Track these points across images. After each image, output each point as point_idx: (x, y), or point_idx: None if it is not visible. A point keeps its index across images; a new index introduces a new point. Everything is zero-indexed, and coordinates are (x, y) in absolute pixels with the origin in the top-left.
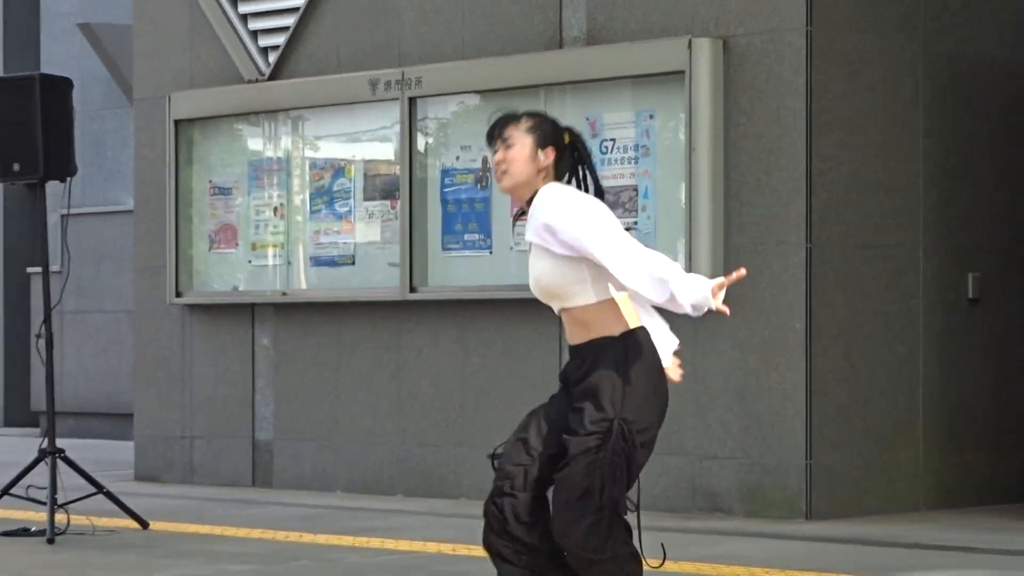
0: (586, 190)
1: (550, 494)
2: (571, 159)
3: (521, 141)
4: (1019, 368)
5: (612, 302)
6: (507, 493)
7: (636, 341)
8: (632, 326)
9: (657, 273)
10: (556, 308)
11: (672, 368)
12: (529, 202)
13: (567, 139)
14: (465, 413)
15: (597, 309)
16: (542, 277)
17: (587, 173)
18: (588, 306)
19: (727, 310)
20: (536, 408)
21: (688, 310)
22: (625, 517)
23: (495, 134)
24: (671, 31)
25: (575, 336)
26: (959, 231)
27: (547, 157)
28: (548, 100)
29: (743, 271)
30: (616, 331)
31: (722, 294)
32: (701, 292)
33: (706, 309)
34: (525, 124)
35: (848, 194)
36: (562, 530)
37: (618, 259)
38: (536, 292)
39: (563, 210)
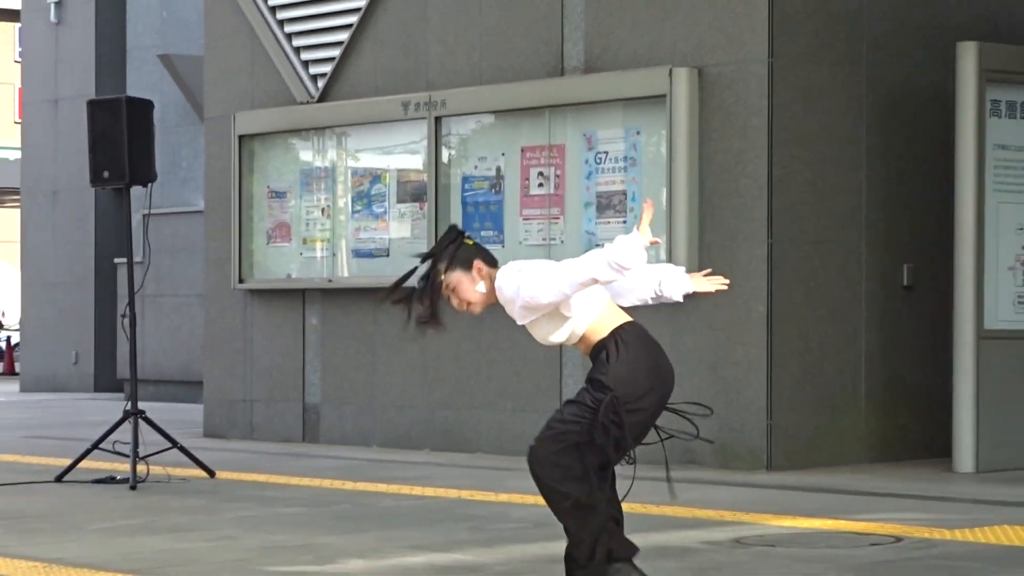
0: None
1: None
2: (479, 251)
3: (457, 280)
4: (945, 344)
5: (598, 318)
6: None
7: (622, 335)
8: (617, 324)
9: (593, 263)
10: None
11: (701, 282)
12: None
13: (470, 242)
14: (481, 381)
15: (591, 330)
16: (551, 336)
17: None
18: (585, 333)
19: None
20: None
21: (661, 291)
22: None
23: (434, 297)
24: (655, 61)
25: (586, 351)
26: (895, 229)
27: (479, 271)
28: (552, 119)
29: (650, 208)
30: (606, 333)
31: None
32: (630, 242)
33: (638, 259)
34: (443, 267)
35: (803, 198)
36: (538, 457)
37: (563, 288)
38: (549, 344)
39: (513, 301)
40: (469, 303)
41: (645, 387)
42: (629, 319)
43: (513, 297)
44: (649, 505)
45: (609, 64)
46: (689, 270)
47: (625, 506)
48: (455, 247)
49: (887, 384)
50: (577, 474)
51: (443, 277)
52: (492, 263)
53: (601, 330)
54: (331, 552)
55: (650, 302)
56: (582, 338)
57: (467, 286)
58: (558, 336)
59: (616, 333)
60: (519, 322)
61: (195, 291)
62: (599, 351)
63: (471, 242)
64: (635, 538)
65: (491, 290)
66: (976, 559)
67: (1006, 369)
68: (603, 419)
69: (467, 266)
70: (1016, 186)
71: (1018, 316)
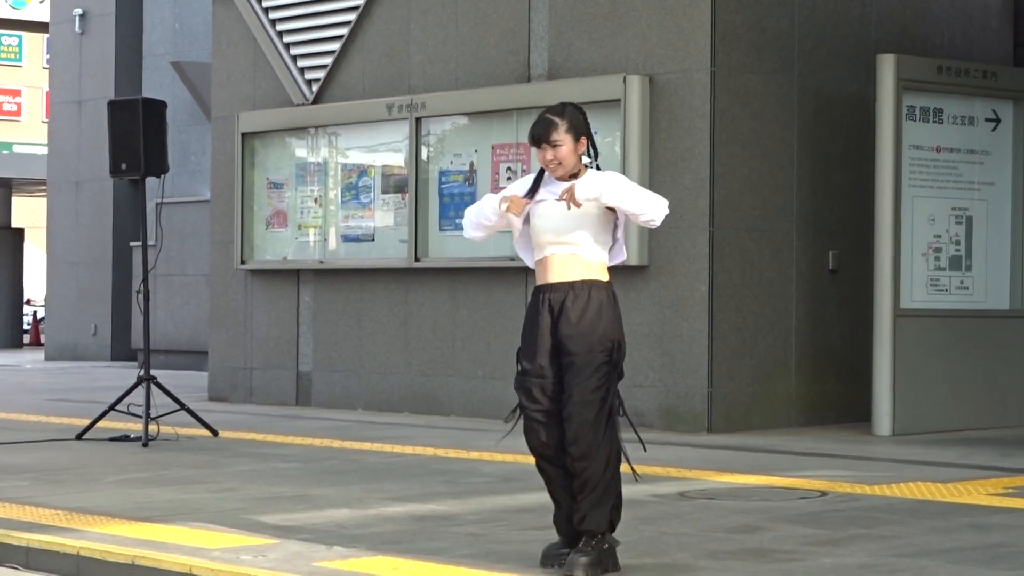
0: (595, 154)
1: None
2: (590, 131)
3: (565, 141)
4: (865, 321)
5: (604, 260)
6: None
7: (613, 289)
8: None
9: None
10: (565, 250)
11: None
12: (570, 176)
13: (583, 117)
14: (455, 351)
15: (600, 261)
16: (580, 224)
17: (592, 140)
18: (594, 256)
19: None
20: (531, 338)
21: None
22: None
23: (541, 139)
24: (610, 70)
25: (572, 275)
26: (822, 219)
27: (582, 146)
28: (519, 120)
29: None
30: (605, 278)
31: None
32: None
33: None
34: (563, 125)
35: (741, 191)
36: (577, 436)
37: (645, 196)
38: (558, 236)
39: (620, 177)
40: (560, 162)
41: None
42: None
43: (615, 182)
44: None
45: (570, 72)
46: (639, 257)
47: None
48: (579, 117)
49: (815, 356)
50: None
51: (557, 133)
52: (592, 143)
53: (602, 271)
54: (322, 502)
55: None
56: (586, 257)
57: (570, 148)
58: (588, 229)
59: (611, 285)
60: (582, 198)
61: (201, 271)
62: (595, 288)
63: (583, 115)
64: None
65: (576, 164)
66: (892, 511)
67: (919, 344)
68: (614, 367)
69: (578, 136)
70: (929, 182)
71: (930, 297)
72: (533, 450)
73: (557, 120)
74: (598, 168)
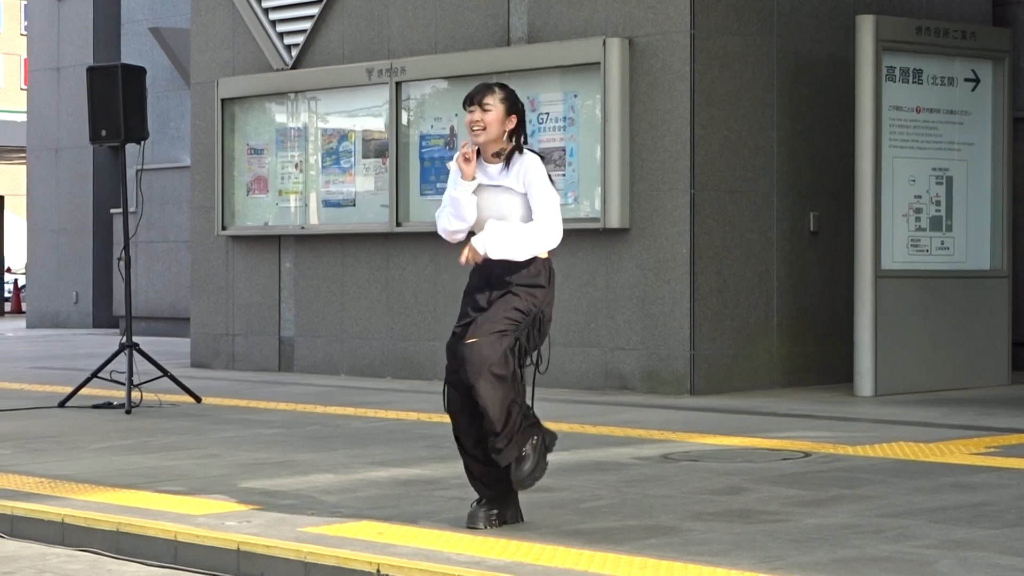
0: (525, 142)
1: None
2: (523, 119)
3: (495, 107)
4: (846, 282)
5: None
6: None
7: (551, 265)
8: (548, 256)
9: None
10: None
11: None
12: (495, 155)
13: (521, 106)
14: (437, 315)
15: None
16: (506, 208)
17: (524, 134)
18: None
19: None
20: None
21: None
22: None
23: (474, 99)
24: (590, 33)
25: None
26: (802, 180)
27: (510, 122)
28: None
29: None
30: (544, 256)
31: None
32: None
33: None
34: (499, 94)
35: (721, 152)
36: (477, 347)
37: (544, 219)
38: (486, 215)
39: (541, 177)
40: (484, 128)
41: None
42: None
43: (534, 179)
44: (586, 425)
45: (549, 35)
46: (621, 217)
47: (564, 426)
48: (516, 99)
49: (796, 318)
50: (510, 370)
51: (491, 98)
52: (517, 134)
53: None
54: (306, 467)
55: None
56: None
57: (498, 117)
58: (515, 212)
59: (549, 260)
60: (511, 185)
61: (182, 238)
62: (537, 266)
63: (521, 105)
64: (574, 455)
65: (498, 139)
66: (874, 471)
67: (901, 305)
68: (533, 327)
69: (510, 112)
70: (909, 142)
71: (911, 257)
72: (452, 405)
73: (495, 88)
74: (520, 152)
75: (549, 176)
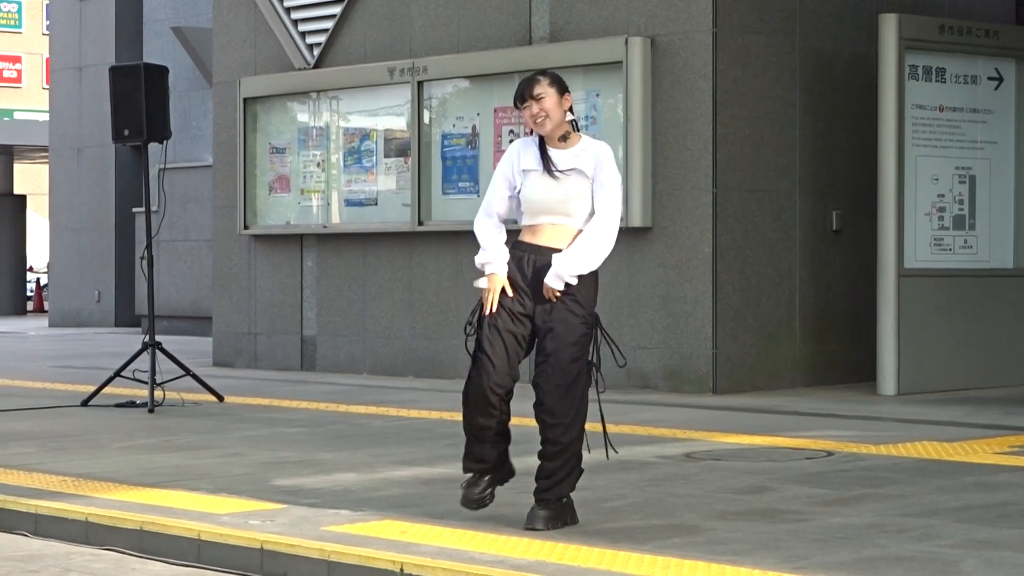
0: (576, 126)
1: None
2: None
3: (548, 93)
4: (869, 281)
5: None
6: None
7: None
8: None
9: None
10: (556, 220)
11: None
12: (561, 139)
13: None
14: (459, 315)
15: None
16: (572, 193)
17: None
18: (583, 226)
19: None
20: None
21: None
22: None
23: (525, 95)
24: (612, 32)
25: (562, 243)
26: (825, 179)
27: (567, 101)
28: None
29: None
30: None
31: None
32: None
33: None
34: (546, 80)
35: (743, 151)
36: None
37: (610, 215)
38: (549, 208)
39: (612, 167)
40: (548, 116)
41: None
42: None
43: (607, 169)
44: (609, 424)
45: (571, 34)
46: (643, 216)
47: (587, 426)
48: (556, 74)
49: (818, 316)
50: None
51: (540, 87)
52: (573, 111)
53: None
54: (328, 466)
55: None
56: (574, 230)
57: (555, 101)
58: (580, 201)
59: None
60: (581, 167)
61: (204, 237)
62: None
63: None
64: (597, 454)
65: (562, 122)
66: (897, 471)
67: (924, 303)
68: (590, 339)
69: (562, 91)
70: (931, 141)
71: (934, 256)
72: (484, 389)
73: (539, 76)
74: (577, 128)
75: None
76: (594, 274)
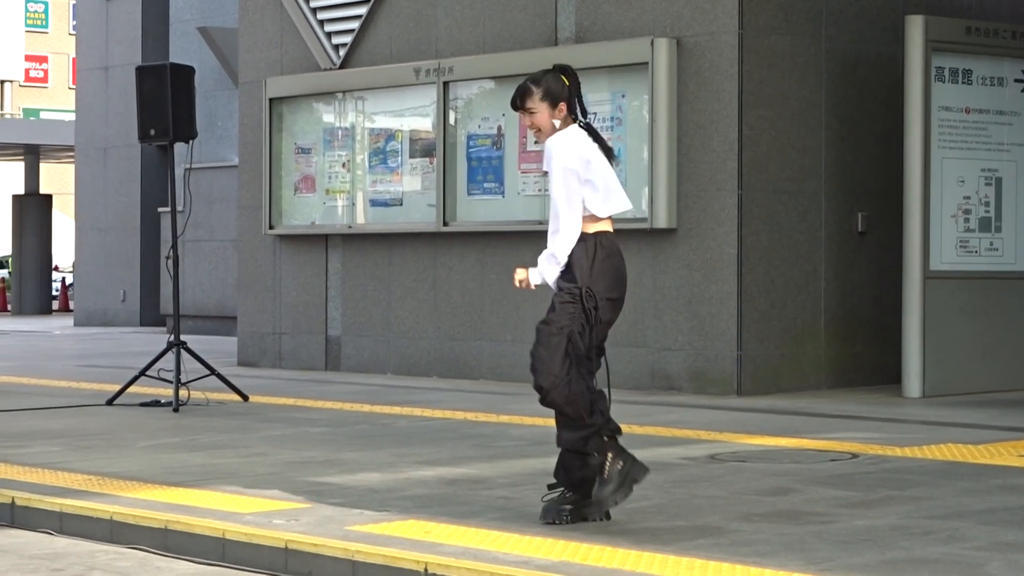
0: (583, 113)
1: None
2: (574, 92)
3: (540, 108)
4: (894, 283)
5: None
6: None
7: (598, 239)
8: (598, 230)
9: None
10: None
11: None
12: None
13: (566, 81)
14: (484, 315)
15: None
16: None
17: (579, 100)
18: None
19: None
20: None
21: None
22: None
23: (517, 106)
24: (638, 33)
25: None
26: (850, 180)
27: (560, 111)
28: None
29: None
30: (589, 231)
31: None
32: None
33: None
34: (537, 93)
35: (769, 153)
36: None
37: (556, 207)
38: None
39: (553, 157)
40: (538, 128)
41: (609, 288)
42: (609, 228)
43: (549, 164)
44: (633, 425)
45: (597, 35)
46: (668, 217)
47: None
48: (555, 83)
49: (843, 318)
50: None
51: (531, 100)
52: (573, 110)
53: (587, 225)
54: (353, 466)
55: None
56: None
57: (545, 115)
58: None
59: (597, 235)
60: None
61: (229, 236)
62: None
63: (567, 80)
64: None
65: (553, 130)
66: (922, 473)
67: (949, 306)
68: (586, 304)
69: (555, 103)
70: (958, 143)
71: (960, 259)
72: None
73: (532, 87)
74: (586, 125)
75: (581, 153)
76: (579, 249)
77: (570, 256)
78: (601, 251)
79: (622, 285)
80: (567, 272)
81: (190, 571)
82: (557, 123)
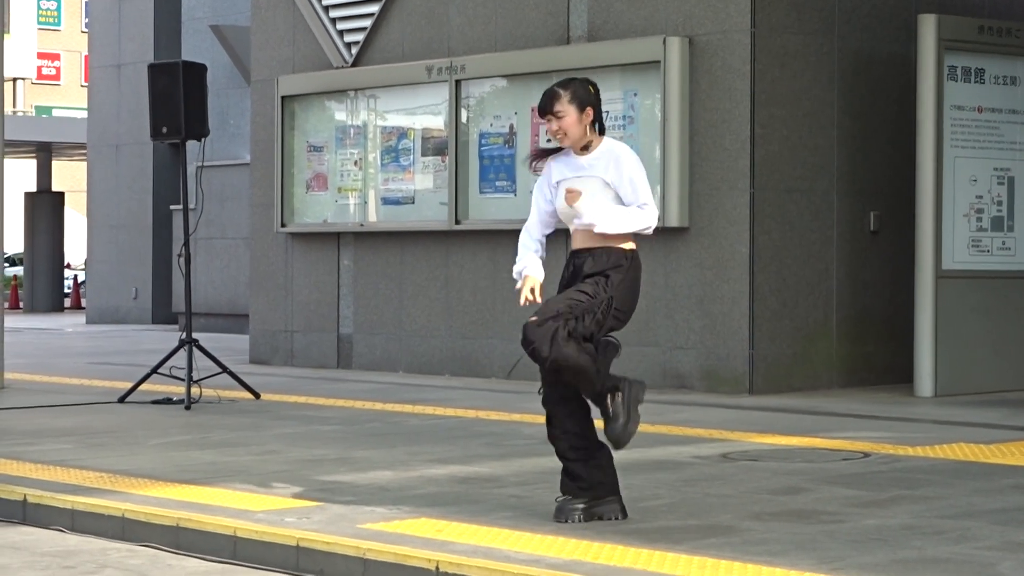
0: (602, 129)
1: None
2: (598, 104)
3: (568, 111)
4: (906, 282)
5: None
6: None
7: (638, 258)
8: (635, 246)
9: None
10: (579, 223)
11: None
12: (584, 148)
13: (592, 91)
14: (495, 314)
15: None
16: (598, 195)
17: (600, 119)
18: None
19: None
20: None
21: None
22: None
23: (545, 111)
24: (650, 31)
25: (595, 242)
26: (863, 179)
27: (587, 116)
28: None
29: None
30: (627, 247)
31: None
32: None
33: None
34: (566, 96)
35: (781, 152)
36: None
37: (643, 203)
38: (575, 211)
39: (631, 161)
40: (566, 135)
41: (630, 310)
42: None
43: (627, 168)
44: (645, 424)
45: (609, 33)
46: (680, 216)
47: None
48: (583, 89)
49: (855, 317)
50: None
51: (560, 104)
52: (599, 118)
53: (622, 239)
54: (365, 464)
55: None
56: (607, 235)
57: (574, 119)
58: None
59: (635, 254)
60: (601, 175)
61: (241, 234)
62: (616, 255)
63: (593, 89)
64: (633, 453)
65: (582, 137)
66: (934, 472)
67: (961, 305)
68: (593, 305)
69: (583, 107)
70: (970, 142)
71: (972, 258)
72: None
73: (560, 91)
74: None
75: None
76: (632, 279)
77: (612, 260)
78: (635, 272)
79: (635, 303)
80: (602, 275)
81: (201, 569)
82: (584, 129)
